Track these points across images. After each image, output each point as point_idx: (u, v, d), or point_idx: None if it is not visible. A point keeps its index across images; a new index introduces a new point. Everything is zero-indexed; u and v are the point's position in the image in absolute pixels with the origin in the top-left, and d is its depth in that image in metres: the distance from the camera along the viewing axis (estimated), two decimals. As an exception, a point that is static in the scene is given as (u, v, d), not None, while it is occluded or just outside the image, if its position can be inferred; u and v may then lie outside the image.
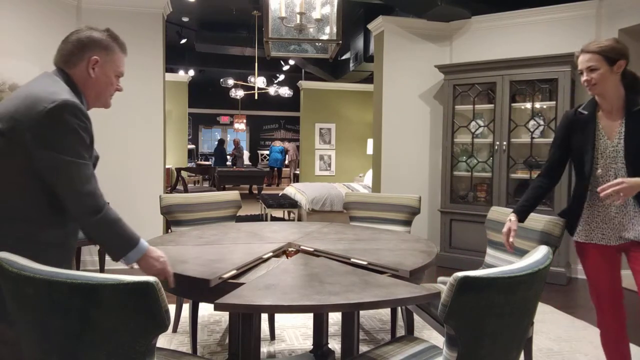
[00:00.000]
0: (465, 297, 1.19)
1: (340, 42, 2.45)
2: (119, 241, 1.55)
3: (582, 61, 2.05)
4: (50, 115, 1.43)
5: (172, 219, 2.96)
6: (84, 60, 1.62)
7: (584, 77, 2.06)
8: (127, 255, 1.55)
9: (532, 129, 4.69)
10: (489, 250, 2.62)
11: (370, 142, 9.36)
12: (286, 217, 8.01)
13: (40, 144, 1.42)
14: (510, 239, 2.17)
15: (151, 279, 1.06)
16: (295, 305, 1.43)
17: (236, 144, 14.61)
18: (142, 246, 1.58)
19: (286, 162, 15.74)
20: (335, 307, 1.46)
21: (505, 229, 2.20)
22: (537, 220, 2.34)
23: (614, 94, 2.07)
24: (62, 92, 1.50)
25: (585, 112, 2.17)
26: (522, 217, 2.24)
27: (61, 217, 1.55)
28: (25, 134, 1.42)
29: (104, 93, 1.71)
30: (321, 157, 10.36)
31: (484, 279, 1.20)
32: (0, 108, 1.50)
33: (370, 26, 5.82)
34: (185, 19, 9.42)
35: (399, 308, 3.06)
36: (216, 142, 15.28)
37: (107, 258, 4.46)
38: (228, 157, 15.13)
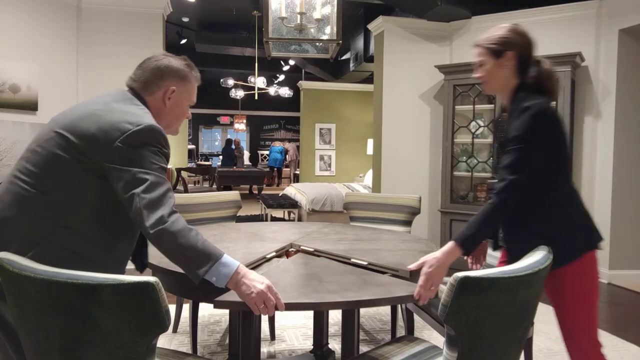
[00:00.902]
0: (465, 297, 1.19)
1: (341, 42, 2.45)
2: (188, 255, 1.39)
3: (473, 56, 1.81)
4: (135, 137, 1.41)
5: (172, 219, 2.96)
6: (162, 89, 1.61)
7: (475, 74, 1.82)
8: (204, 271, 1.39)
9: (532, 129, 4.69)
10: (489, 251, 2.62)
11: (370, 142, 9.36)
12: (286, 217, 8.01)
13: (120, 163, 1.40)
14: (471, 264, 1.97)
15: (151, 278, 1.06)
16: (294, 303, 1.43)
17: (237, 144, 14.62)
18: (227, 264, 1.40)
19: (286, 162, 15.76)
20: (333, 305, 1.47)
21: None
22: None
23: (506, 92, 1.79)
24: (147, 117, 1.49)
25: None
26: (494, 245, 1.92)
27: (113, 240, 1.52)
28: (105, 153, 1.40)
29: (175, 122, 1.70)
30: (321, 157, 10.36)
31: (484, 279, 1.20)
32: (76, 123, 1.45)
33: (370, 26, 5.83)
34: (185, 19, 9.42)
35: (399, 308, 3.06)
36: (216, 142, 15.27)
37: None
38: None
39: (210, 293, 1.58)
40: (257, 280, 1.39)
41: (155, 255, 1.89)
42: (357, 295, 1.49)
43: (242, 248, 2.11)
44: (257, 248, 2.11)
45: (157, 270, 1.75)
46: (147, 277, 1.06)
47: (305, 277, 1.72)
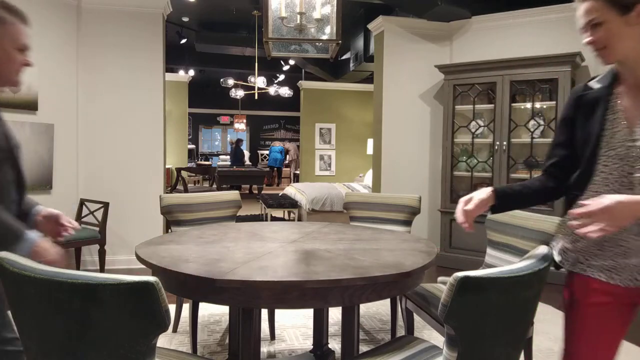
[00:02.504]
0: (465, 297, 1.19)
1: (340, 41, 2.44)
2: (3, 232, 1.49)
3: (580, 15, 1.32)
4: None
5: (172, 219, 2.96)
6: None
7: (585, 38, 1.33)
8: (15, 245, 1.48)
9: (532, 129, 4.70)
10: (489, 250, 2.62)
11: (370, 142, 9.36)
12: (286, 217, 8.01)
13: None
14: (461, 219, 1.54)
15: (151, 278, 1.06)
16: (283, 282, 1.58)
17: (232, 143, 14.75)
18: (29, 237, 1.52)
19: (286, 161, 15.77)
20: (317, 282, 1.60)
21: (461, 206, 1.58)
22: (537, 220, 2.34)
23: (638, 58, 1.30)
24: None
25: (597, 86, 1.42)
26: (499, 202, 1.56)
27: None
28: None
29: (5, 71, 1.59)
30: (321, 157, 10.36)
31: (484, 279, 1.20)
32: None
33: (370, 26, 5.83)
34: (185, 19, 9.42)
35: (399, 308, 3.06)
36: (216, 142, 15.26)
37: (108, 258, 4.46)
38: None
39: (213, 294, 1.60)
40: (50, 247, 1.54)
41: (155, 255, 1.89)
42: (339, 276, 1.64)
43: (242, 248, 2.11)
44: (257, 248, 2.11)
45: (157, 270, 1.75)
46: (147, 277, 1.06)
47: (294, 262, 1.83)
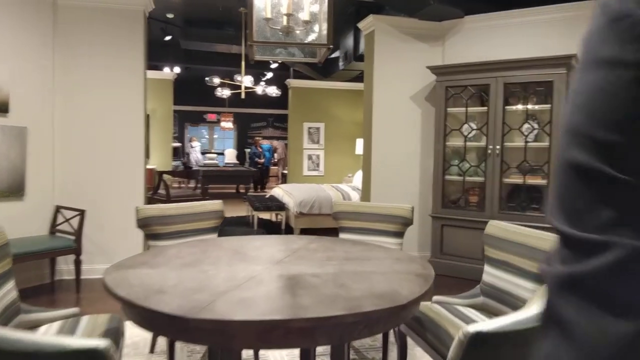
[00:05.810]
0: (475, 354, 1.02)
1: (331, 46, 2.27)
2: None
3: None
4: None
5: (149, 232, 2.77)
6: None
7: None
8: None
9: (526, 133, 4.56)
10: (487, 268, 2.47)
11: (359, 142, 9.19)
12: (273, 219, 7.82)
13: None
14: None
15: (102, 343, 0.88)
16: (265, 320, 1.39)
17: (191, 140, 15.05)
18: None
19: (274, 160, 15.56)
20: (303, 321, 1.43)
21: None
22: (539, 237, 2.19)
23: None
24: None
25: None
26: None
27: None
28: None
29: None
30: (309, 157, 10.16)
31: (496, 335, 1.03)
32: None
33: (360, 25, 5.65)
34: (169, 15, 9.16)
35: (392, 330, 2.90)
36: (203, 140, 15.03)
37: (85, 267, 4.25)
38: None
39: (184, 333, 1.42)
40: None
41: (124, 283, 1.70)
42: (326, 312, 1.46)
43: (222, 272, 1.93)
44: (239, 272, 1.93)
45: (125, 303, 1.56)
46: (97, 342, 0.88)
47: (279, 291, 1.61)
